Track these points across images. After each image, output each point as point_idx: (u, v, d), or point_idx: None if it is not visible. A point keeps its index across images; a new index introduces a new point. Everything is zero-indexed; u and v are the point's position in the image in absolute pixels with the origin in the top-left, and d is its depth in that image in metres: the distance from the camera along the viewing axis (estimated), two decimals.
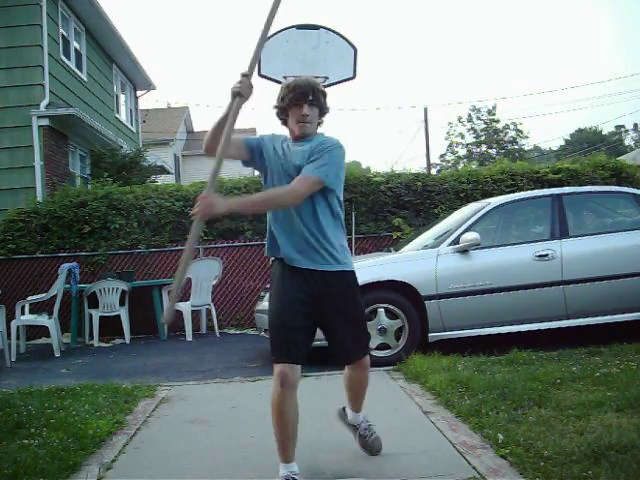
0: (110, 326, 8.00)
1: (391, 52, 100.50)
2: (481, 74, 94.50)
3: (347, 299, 2.94)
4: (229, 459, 3.33)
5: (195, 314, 8.30)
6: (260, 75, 7.57)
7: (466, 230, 5.87)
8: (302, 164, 2.83)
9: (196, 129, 29.14)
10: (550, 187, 8.18)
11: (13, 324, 7.20)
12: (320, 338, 2.98)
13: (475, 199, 8.28)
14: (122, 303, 7.94)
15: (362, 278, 5.54)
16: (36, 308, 7.73)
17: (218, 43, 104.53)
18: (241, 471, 3.13)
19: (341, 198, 2.97)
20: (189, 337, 7.90)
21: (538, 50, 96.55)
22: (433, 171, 30.05)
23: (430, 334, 5.67)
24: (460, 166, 35.38)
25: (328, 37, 7.75)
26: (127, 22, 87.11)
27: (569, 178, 9.02)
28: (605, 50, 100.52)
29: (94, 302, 7.90)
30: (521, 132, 44.19)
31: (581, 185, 8.58)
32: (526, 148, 45.37)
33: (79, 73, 13.10)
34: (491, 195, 8.29)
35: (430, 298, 5.65)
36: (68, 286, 7.70)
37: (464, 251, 5.78)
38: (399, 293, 5.65)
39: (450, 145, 45.90)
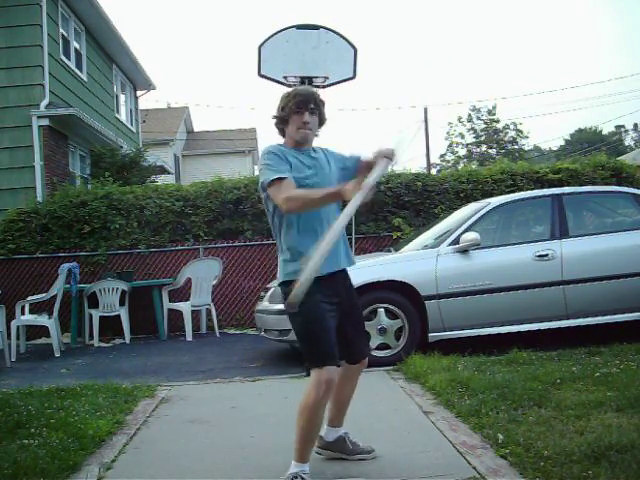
0: (110, 326, 8.00)
1: (391, 52, 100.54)
2: (481, 74, 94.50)
3: (354, 296, 3.10)
4: (229, 459, 3.33)
5: (195, 314, 8.30)
6: (260, 75, 7.58)
7: (466, 230, 5.87)
8: (329, 173, 2.98)
9: (196, 129, 29.15)
10: (550, 187, 8.18)
11: (13, 324, 7.20)
12: None
13: (475, 199, 8.28)
14: (122, 303, 7.94)
15: (362, 278, 5.63)
16: (36, 308, 7.73)
17: (218, 43, 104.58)
18: (241, 471, 3.13)
19: None
20: (189, 337, 7.90)
21: (538, 50, 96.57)
22: (433, 171, 30.04)
23: (430, 334, 5.67)
24: (460, 166, 35.40)
25: (328, 37, 7.76)
26: (127, 22, 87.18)
27: (569, 178, 9.02)
28: (605, 50, 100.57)
29: (94, 302, 7.90)
30: (521, 132, 44.16)
31: (581, 185, 8.58)
32: (526, 148, 45.33)
33: (79, 73, 13.10)
34: (491, 195, 8.29)
35: (430, 298, 5.65)
36: (68, 286, 7.70)
37: (464, 251, 5.78)
38: (399, 293, 5.65)
39: (450, 145, 45.88)
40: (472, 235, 5.75)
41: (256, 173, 21.10)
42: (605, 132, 53.78)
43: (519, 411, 3.65)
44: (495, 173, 9.15)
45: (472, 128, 45.23)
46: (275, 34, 7.67)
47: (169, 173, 18.18)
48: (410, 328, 5.61)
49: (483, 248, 5.83)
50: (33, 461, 3.08)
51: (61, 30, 12.18)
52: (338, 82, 7.75)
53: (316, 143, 3.10)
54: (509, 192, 8.34)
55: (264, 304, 6.07)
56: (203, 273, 8.09)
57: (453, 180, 9.10)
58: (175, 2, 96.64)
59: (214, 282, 8.25)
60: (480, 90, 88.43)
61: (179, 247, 8.93)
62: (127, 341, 7.89)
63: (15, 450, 3.27)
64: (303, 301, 2.62)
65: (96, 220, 8.83)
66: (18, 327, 7.33)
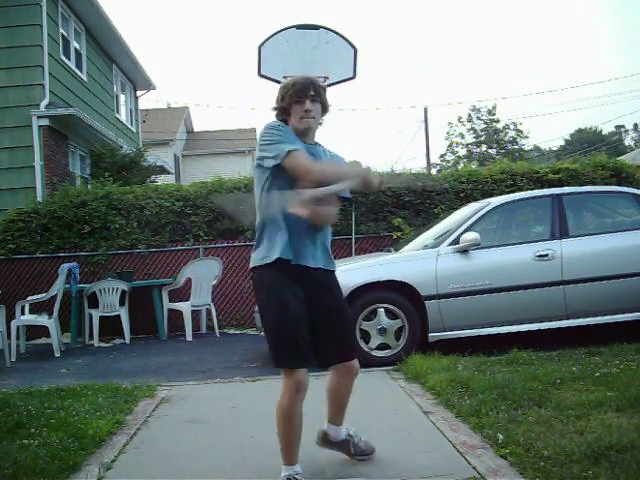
0: (110, 326, 8.00)
1: (391, 52, 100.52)
2: (481, 74, 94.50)
3: (337, 299, 2.99)
4: (229, 459, 3.33)
5: (195, 314, 8.30)
6: (260, 75, 7.58)
7: (466, 230, 5.87)
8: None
9: (196, 129, 29.15)
10: (550, 187, 8.18)
11: (13, 324, 7.20)
12: None
13: (475, 199, 8.28)
14: (122, 303, 7.94)
15: (362, 278, 5.65)
16: (36, 308, 7.73)
17: (218, 43, 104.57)
18: (241, 471, 3.13)
19: None
20: (189, 337, 7.90)
21: (538, 50, 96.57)
22: (433, 171, 30.04)
23: (430, 334, 5.67)
24: (460, 166, 35.39)
25: (328, 37, 7.76)
26: (127, 22, 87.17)
27: (569, 178, 9.02)
28: (605, 50, 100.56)
29: (94, 302, 7.90)
30: (521, 132, 44.18)
31: (581, 185, 8.57)
32: (526, 148, 45.34)
33: (79, 73, 13.11)
34: (491, 195, 8.29)
35: (430, 298, 5.65)
36: (68, 286, 7.70)
37: (464, 251, 5.79)
38: (399, 293, 5.65)
39: (450, 145, 45.90)
40: (472, 235, 5.75)
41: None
42: (605, 132, 53.81)
43: (519, 411, 3.65)
44: (495, 173, 9.15)
45: (472, 128, 45.26)
46: (275, 34, 7.68)
47: (169, 173, 18.18)
48: (410, 328, 5.61)
49: (483, 248, 5.84)
50: (33, 461, 3.08)
51: (61, 30, 12.18)
52: (338, 82, 7.75)
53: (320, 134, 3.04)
54: (509, 192, 8.34)
55: None
56: (203, 273, 8.09)
57: (453, 180, 9.10)
58: (175, 2, 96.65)
59: (214, 282, 8.25)
60: (480, 90, 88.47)
61: (179, 247, 8.93)
62: (127, 341, 7.89)
63: (15, 450, 3.27)
64: (268, 300, 2.81)
65: (96, 220, 8.83)
66: (18, 327, 7.33)
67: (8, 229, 8.86)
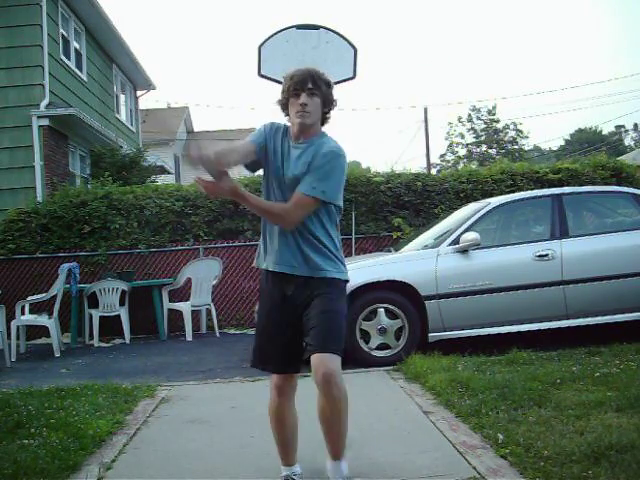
0: (110, 326, 7.99)
1: (391, 52, 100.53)
2: (481, 74, 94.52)
3: (322, 304, 2.67)
4: (229, 459, 3.33)
5: (195, 314, 8.29)
6: (260, 75, 7.58)
7: (466, 230, 5.87)
8: (300, 175, 2.64)
9: (196, 129, 29.13)
10: (550, 187, 8.18)
11: (13, 324, 7.20)
12: None
13: (475, 199, 8.28)
14: (122, 303, 7.94)
15: (362, 278, 5.64)
16: (36, 308, 7.72)
17: (218, 43, 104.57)
18: (241, 471, 3.13)
19: (340, 204, 2.76)
20: (189, 337, 7.90)
21: (538, 50, 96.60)
22: (433, 171, 30.03)
23: (430, 334, 5.67)
24: (460, 166, 35.37)
25: (328, 37, 7.76)
26: (127, 22, 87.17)
27: (569, 178, 9.02)
28: (605, 50, 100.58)
29: (94, 302, 7.90)
30: (521, 132, 44.15)
31: (581, 185, 8.57)
32: (526, 148, 45.31)
33: (79, 73, 13.10)
34: (491, 195, 8.29)
35: (430, 298, 5.65)
36: (68, 286, 7.70)
37: (464, 251, 5.79)
38: (399, 293, 5.65)
39: (450, 145, 45.86)
40: (472, 235, 5.75)
41: (256, 173, 21.02)
42: (605, 132, 53.80)
43: (519, 411, 3.65)
44: (495, 173, 9.16)
45: (472, 128, 45.22)
46: (275, 34, 7.68)
47: (169, 173, 18.18)
48: (410, 328, 5.61)
49: (483, 248, 5.84)
50: (33, 461, 3.08)
51: (61, 30, 12.17)
52: (338, 82, 7.73)
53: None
54: (509, 192, 8.34)
55: None
56: (203, 273, 8.09)
57: (453, 180, 9.10)
58: (175, 2, 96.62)
59: (214, 282, 8.25)
60: (480, 90, 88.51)
61: (179, 247, 8.93)
62: (127, 341, 7.89)
63: (15, 450, 3.27)
64: (259, 293, 2.88)
65: (96, 220, 8.82)
66: (18, 327, 7.32)
67: (8, 229, 8.86)
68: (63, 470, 3.08)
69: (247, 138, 2.75)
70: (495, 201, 6.39)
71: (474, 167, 12.00)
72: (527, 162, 11.20)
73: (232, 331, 8.50)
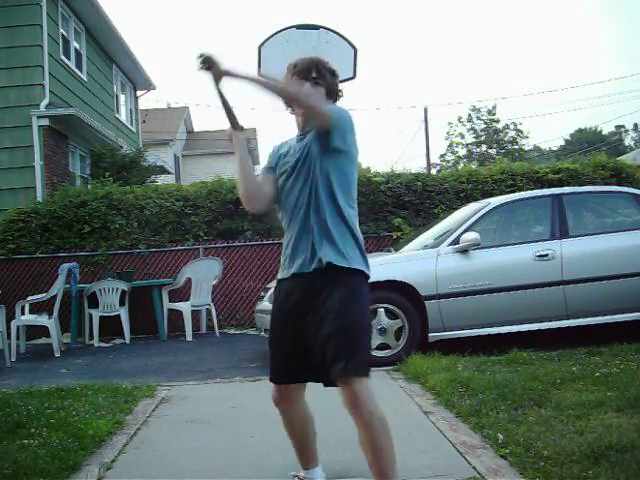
0: (110, 326, 7.99)
1: (391, 52, 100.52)
2: (481, 74, 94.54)
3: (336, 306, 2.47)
4: (229, 459, 3.33)
5: (195, 314, 8.29)
6: (260, 75, 7.57)
7: (466, 230, 5.87)
8: (300, 158, 2.50)
9: (196, 129, 29.13)
10: (550, 187, 8.18)
11: (13, 324, 7.20)
12: None
13: (475, 199, 8.28)
14: (122, 303, 7.94)
15: None
16: (36, 308, 7.72)
17: (218, 43, 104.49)
18: (241, 471, 3.13)
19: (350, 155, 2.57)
20: (189, 337, 7.90)
21: (538, 50, 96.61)
22: (433, 171, 30.02)
23: (430, 334, 5.67)
24: (460, 166, 35.37)
25: (328, 37, 7.76)
26: (127, 22, 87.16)
27: (569, 178, 9.02)
28: (605, 50, 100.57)
29: (94, 302, 7.90)
30: (521, 132, 44.18)
31: (581, 185, 8.57)
32: (526, 148, 45.35)
33: (79, 73, 13.10)
34: (491, 195, 8.28)
35: (430, 298, 5.65)
36: (68, 286, 7.69)
37: (464, 251, 5.78)
38: (399, 293, 5.65)
39: (450, 145, 45.90)
40: (472, 235, 5.75)
41: (256, 173, 21.00)
42: (605, 132, 53.84)
43: (519, 411, 3.65)
44: (495, 173, 9.15)
45: (472, 128, 45.26)
46: (275, 34, 7.67)
47: (169, 173, 18.18)
48: (410, 328, 5.61)
49: (483, 248, 5.83)
50: (33, 461, 3.08)
51: (61, 30, 12.17)
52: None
53: None
54: (509, 192, 8.33)
55: (264, 304, 6.07)
56: (203, 273, 8.09)
57: (453, 180, 9.10)
58: (175, 2, 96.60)
59: (214, 282, 8.25)
60: (480, 90, 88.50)
61: (179, 247, 8.93)
62: (127, 341, 7.88)
63: (15, 450, 3.27)
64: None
65: (96, 220, 8.82)
66: (18, 327, 7.32)
67: (8, 229, 8.86)
68: (63, 470, 3.08)
69: (259, 176, 2.65)
70: (495, 201, 6.39)
71: (474, 167, 11.98)
72: (527, 162, 11.20)
73: (232, 331, 8.50)
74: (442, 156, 45.82)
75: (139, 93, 18.42)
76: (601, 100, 78.25)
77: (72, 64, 12.67)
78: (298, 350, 2.51)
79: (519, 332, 5.72)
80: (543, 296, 5.74)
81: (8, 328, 6.98)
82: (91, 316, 7.89)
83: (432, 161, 33.63)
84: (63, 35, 12.32)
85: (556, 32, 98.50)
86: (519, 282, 5.76)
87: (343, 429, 3.57)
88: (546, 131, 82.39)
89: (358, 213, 2.70)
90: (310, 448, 2.75)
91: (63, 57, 12.15)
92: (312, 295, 2.45)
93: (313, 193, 2.48)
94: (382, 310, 5.61)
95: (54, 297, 7.31)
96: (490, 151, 44.40)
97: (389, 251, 6.80)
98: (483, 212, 6.10)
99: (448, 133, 45.37)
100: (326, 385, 2.48)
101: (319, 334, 2.40)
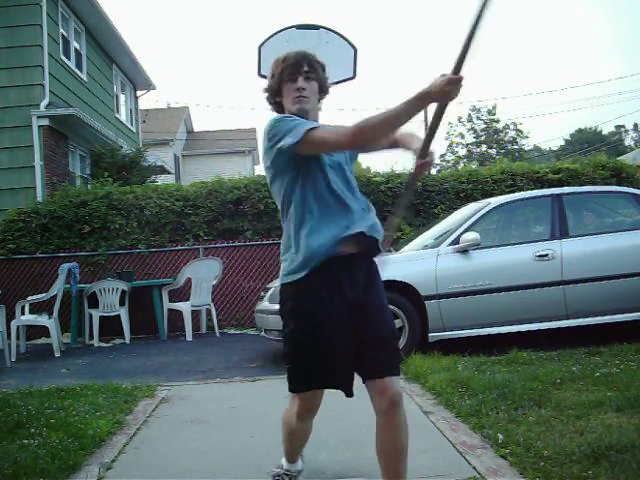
0: (110, 326, 8.00)
1: (391, 52, 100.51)
2: (481, 74, 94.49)
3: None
4: (229, 459, 3.32)
5: (195, 314, 8.29)
6: (260, 75, 7.57)
7: (466, 230, 5.87)
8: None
9: (196, 129, 29.14)
10: (550, 187, 8.18)
11: (13, 324, 7.20)
12: None
13: (475, 199, 8.28)
14: (122, 303, 7.94)
15: None
16: (36, 308, 7.72)
17: (218, 43, 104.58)
18: (241, 471, 3.13)
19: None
20: (189, 337, 7.90)
21: (538, 50, 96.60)
22: (433, 171, 30.00)
23: (430, 334, 5.67)
24: (460, 166, 35.37)
25: (328, 37, 7.75)
26: (127, 22, 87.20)
27: (569, 178, 9.02)
28: (605, 50, 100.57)
29: (94, 302, 7.90)
30: (521, 132, 44.20)
31: (581, 185, 8.57)
32: (526, 148, 45.37)
33: (79, 73, 13.10)
34: (491, 195, 8.29)
35: (430, 298, 5.65)
36: (68, 286, 7.70)
37: (464, 251, 5.79)
38: (399, 293, 5.65)
39: (450, 145, 45.91)
40: (472, 235, 5.76)
41: (256, 173, 21.05)
42: (605, 132, 53.88)
43: (519, 411, 3.65)
44: (495, 173, 9.16)
45: (472, 128, 45.28)
46: (275, 34, 7.67)
47: (169, 173, 18.17)
48: (410, 328, 5.61)
49: (483, 248, 5.84)
50: (33, 461, 3.08)
51: (61, 30, 12.18)
52: (338, 82, 7.73)
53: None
54: (509, 192, 8.34)
55: (264, 304, 6.07)
56: (203, 273, 8.09)
57: (453, 180, 9.10)
58: (175, 2, 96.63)
59: (214, 282, 8.25)
60: (480, 90, 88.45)
61: (179, 247, 8.93)
62: (127, 341, 7.89)
63: (15, 450, 3.27)
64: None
65: (96, 220, 8.83)
66: (18, 327, 7.32)
67: (8, 229, 8.86)
68: (63, 470, 3.08)
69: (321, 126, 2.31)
70: (495, 201, 6.39)
71: (474, 167, 11.97)
72: (527, 162, 11.19)
73: (232, 331, 8.50)
74: (442, 156, 45.83)
75: (139, 93, 18.42)
76: (601, 100, 78.36)
77: (72, 64, 12.67)
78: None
79: (519, 332, 5.72)
80: (543, 296, 5.74)
81: (8, 328, 6.98)
82: (91, 316, 7.89)
83: None
84: (63, 35, 12.33)
85: (556, 32, 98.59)
86: (519, 282, 5.76)
87: (343, 429, 3.61)
88: (546, 131, 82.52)
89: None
90: (302, 448, 2.80)
91: (63, 57, 12.16)
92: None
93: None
94: None
95: (54, 297, 7.32)
96: (490, 151, 44.42)
97: (389, 251, 6.80)
98: (483, 212, 6.11)
99: (448, 133, 45.43)
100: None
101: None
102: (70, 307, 7.95)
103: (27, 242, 8.82)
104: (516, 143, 44.60)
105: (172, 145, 23.86)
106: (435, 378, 4.51)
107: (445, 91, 2.04)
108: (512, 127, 43.94)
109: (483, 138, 44.95)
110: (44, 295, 7.51)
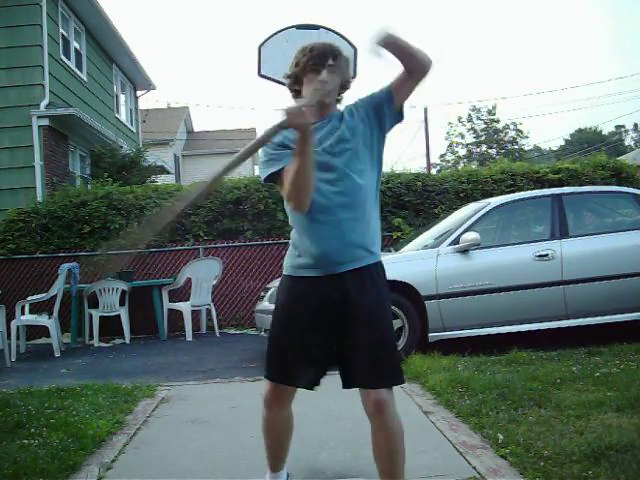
0: (110, 326, 7.99)
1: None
2: (481, 74, 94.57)
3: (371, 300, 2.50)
4: (229, 459, 3.32)
5: (195, 314, 8.29)
6: (260, 75, 7.57)
7: (466, 230, 5.87)
8: (345, 138, 2.39)
9: (196, 129, 29.15)
10: (550, 187, 8.18)
11: (13, 324, 7.19)
12: None
13: (475, 199, 8.28)
14: (122, 303, 7.94)
15: None
16: (36, 308, 7.72)
17: (218, 43, 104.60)
18: (241, 471, 3.13)
19: None
20: (189, 337, 7.90)
21: (538, 50, 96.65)
22: (433, 171, 30.01)
23: (430, 334, 5.67)
24: (460, 166, 35.40)
25: (328, 37, 7.71)
26: (127, 22, 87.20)
27: (569, 178, 9.02)
28: (605, 50, 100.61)
29: (94, 302, 7.90)
30: (521, 132, 44.19)
31: (581, 185, 8.57)
32: (526, 148, 45.36)
33: (79, 73, 13.10)
34: (491, 195, 8.28)
35: (430, 298, 5.65)
36: (68, 286, 7.70)
37: (464, 251, 5.79)
38: (399, 293, 5.64)
39: (450, 145, 45.90)
40: (472, 235, 5.76)
41: (256, 173, 21.07)
42: (605, 132, 53.84)
43: (519, 411, 3.65)
44: (495, 173, 9.15)
45: (472, 128, 45.26)
46: (275, 34, 7.66)
47: (169, 173, 18.17)
48: (410, 328, 5.61)
49: (483, 248, 5.84)
50: (33, 461, 3.08)
51: (61, 30, 12.17)
52: None
53: None
54: (509, 192, 8.33)
55: (264, 304, 6.07)
56: (203, 273, 8.09)
57: (453, 180, 9.10)
58: (175, 2, 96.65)
59: (214, 282, 8.25)
60: (480, 90, 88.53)
61: (179, 247, 8.92)
62: (127, 341, 7.88)
63: (15, 450, 3.27)
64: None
65: (96, 220, 8.83)
66: (18, 327, 7.32)
67: (8, 229, 8.86)
68: (63, 470, 3.08)
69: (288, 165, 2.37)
70: (495, 201, 6.39)
71: (474, 167, 12.02)
72: (527, 162, 11.20)
73: (232, 331, 8.50)
74: (442, 156, 45.86)
75: (139, 93, 18.42)
76: (601, 100, 78.25)
77: (72, 64, 12.67)
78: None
79: (519, 332, 5.72)
80: (543, 296, 5.74)
81: (8, 328, 6.97)
82: (91, 316, 7.89)
83: (432, 161, 33.63)
84: (63, 35, 12.32)
85: (556, 32, 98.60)
86: (519, 282, 5.76)
87: (343, 429, 3.61)
88: (546, 131, 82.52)
89: None
90: (285, 453, 2.69)
91: (63, 57, 12.15)
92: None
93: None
94: None
95: (54, 297, 7.31)
96: (490, 151, 44.40)
97: (389, 251, 6.80)
98: (483, 212, 6.11)
99: (448, 133, 45.42)
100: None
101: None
102: (70, 307, 7.95)
103: (27, 242, 8.82)
104: (516, 143, 44.59)
105: (172, 145, 23.87)
106: (435, 378, 4.51)
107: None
108: (512, 127, 43.94)
109: (483, 138, 44.94)
110: (44, 295, 7.51)
